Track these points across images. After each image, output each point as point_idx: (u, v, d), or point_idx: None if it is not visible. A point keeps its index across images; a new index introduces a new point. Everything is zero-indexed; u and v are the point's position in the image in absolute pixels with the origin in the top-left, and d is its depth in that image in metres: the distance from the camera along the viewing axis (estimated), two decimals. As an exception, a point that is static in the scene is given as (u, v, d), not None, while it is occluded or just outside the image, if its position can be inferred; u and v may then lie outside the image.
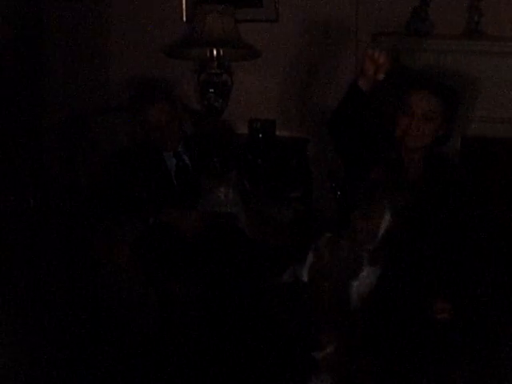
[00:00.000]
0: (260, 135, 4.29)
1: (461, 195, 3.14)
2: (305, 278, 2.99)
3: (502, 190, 4.19)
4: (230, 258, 3.42)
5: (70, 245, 3.67)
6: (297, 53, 4.38)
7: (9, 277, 3.44)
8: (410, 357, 2.88)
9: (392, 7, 4.20)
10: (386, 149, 3.18)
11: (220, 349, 3.25)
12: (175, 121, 3.65)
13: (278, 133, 4.35)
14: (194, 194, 3.59)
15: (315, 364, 2.98)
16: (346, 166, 3.32)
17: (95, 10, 4.40)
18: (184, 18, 4.45)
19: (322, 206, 4.18)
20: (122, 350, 3.33)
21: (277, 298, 3.42)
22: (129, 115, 3.79)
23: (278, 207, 3.80)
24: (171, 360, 3.27)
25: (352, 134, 3.16)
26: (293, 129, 4.42)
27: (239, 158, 3.87)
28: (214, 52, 4.22)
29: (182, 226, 3.49)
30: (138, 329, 3.40)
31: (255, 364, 3.21)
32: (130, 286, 3.44)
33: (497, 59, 4.06)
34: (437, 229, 3.09)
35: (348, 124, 3.12)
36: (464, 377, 2.82)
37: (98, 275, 3.50)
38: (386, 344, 2.91)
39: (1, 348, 3.04)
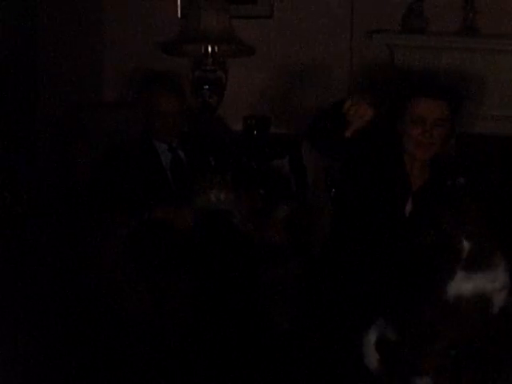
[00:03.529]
0: (255, 132, 4.28)
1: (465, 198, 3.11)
2: None
3: (496, 186, 4.21)
4: (224, 254, 3.42)
5: (63, 240, 3.65)
6: (291, 49, 4.37)
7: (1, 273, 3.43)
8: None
9: (387, 4, 4.20)
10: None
11: (213, 344, 3.25)
12: (180, 114, 3.67)
13: (272, 130, 4.34)
14: (188, 189, 3.58)
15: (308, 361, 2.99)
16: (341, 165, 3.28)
17: (90, 6, 4.38)
18: (179, 14, 4.44)
19: (317, 202, 4.18)
20: (115, 346, 3.32)
21: (271, 294, 3.42)
22: (134, 101, 3.82)
23: (272, 204, 3.79)
24: (164, 355, 3.27)
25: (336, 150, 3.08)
26: (287, 126, 4.41)
27: (234, 158, 3.86)
28: (209, 48, 4.21)
29: (175, 222, 3.48)
30: (131, 325, 3.39)
31: (249, 359, 3.21)
32: (123, 282, 3.43)
33: (491, 56, 4.07)
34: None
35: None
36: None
37: (91, 271, 3.48)
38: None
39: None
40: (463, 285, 2.56)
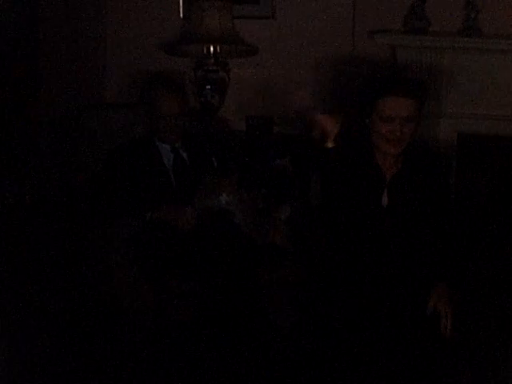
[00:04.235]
0: (257, 132, 4.29)
1: (440, 186, 3.14)
2: None
3: (497, 186, 4.22)
4: (226, 254, 3.42)
5: (66, 241, 3.66)
6: (293, 49, 4.38)
7: (4, 273, 3.44)
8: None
9: (389, 4, 4.21)
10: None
11: (214, 345, 3.25)
12: (183, 115, 3.67)
13: (275, 130, 4.35)
14: (190, 190, 3.58)
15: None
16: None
17: (92, 6, 4.39)
18: (181, 15, 4.45)
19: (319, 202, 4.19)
20: (118, 346, 3.33)
21: (272, 295, 3.43)
22: (137, 102, 3.82)
23: (274, 204, 3.79)
24: (168, 355, 3.27)
25: None
26: (290, 126, 4.41)
27: (236, 159, 3.87)
28: (211, 48, 4.21)
29: (177, 222, 3.48)
30: (134, 325, 3.39)
31: (251, 359, 3.22)
32: (127, 283, 3.44)
33: (493, 57, 4.07)
34: (420, 224, 3.10)
35: None
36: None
37: (94, 272, 3.49)
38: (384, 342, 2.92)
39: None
40: None
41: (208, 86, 4.27)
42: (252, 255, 3.48)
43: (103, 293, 3.45)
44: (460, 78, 4.11)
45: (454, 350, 2.96)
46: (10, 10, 3.65)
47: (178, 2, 4.44)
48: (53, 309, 3.47)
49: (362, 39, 4.26)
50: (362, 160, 3.12)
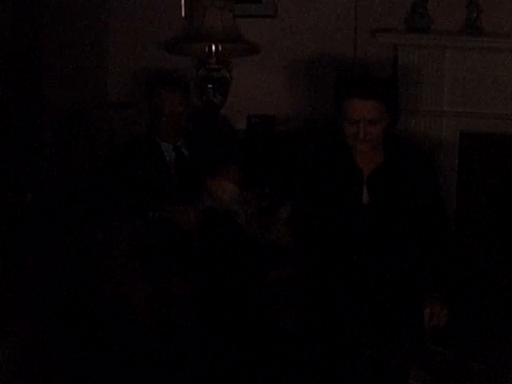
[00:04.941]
0: (259, 131, 4.29)
1: (425, 183, 3.14)
2: None
3: (499, 185, 4.23)
4: (229, 254, 3.42)
5: (67, 240, 3.66)
6: (295, 48, 4.38)
7: (5, 272, 3.44)
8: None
9: (391, 3, 4.21)
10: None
11: (218, 345, 3.26)
12: (185, 114, 3.67)
13: (276, 128, 4.35)
14: (192, 188, 3.59)
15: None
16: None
17: (94, 6, 4.39)
18: (183, 14, 4.45)
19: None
20: (119, 346, 3.33)
21: (274, 294, 3.43)
22: (140, 101, 3.85)
23: (275, 204, 3.79)
24: (169, 356, 3.28)
25: None
26: (291, 125, 4.42)
27: (238, 157, 3.87)
28: (213, 47, 4.21)
29: (180, 222, 3.49)
30: (135, 325, 3.39)
31: (254, 360, 3.22)
32: (128, 282, 3.44)
33: (495, 55, 4.07)
34: (405, 222, 3.11)
35: None
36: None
37: (96, 271, 3.49)
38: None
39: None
40: None
41: (210, 85, 4.28)
42: (255, 255, 3.48)
43: (104, 293, 3.46)
44: (462, 77, 4.11)
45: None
46: (11, 9, 3.66)
47: (180, 1, 4.44)
48: (53, 308, 3.48)
49: (364, 38, 4.26)
50: (337, 157, 3.15)
